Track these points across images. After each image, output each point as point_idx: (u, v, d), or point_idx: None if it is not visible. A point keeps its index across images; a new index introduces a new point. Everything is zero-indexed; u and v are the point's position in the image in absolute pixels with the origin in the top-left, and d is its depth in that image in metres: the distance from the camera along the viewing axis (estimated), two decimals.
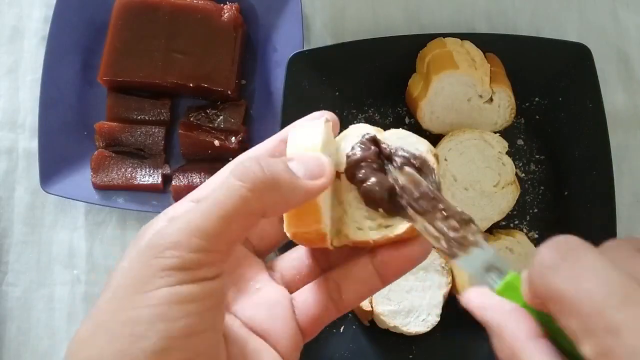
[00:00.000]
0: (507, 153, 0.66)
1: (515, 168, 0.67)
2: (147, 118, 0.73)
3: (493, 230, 0.68)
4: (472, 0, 0.75)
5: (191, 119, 0.72)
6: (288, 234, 0.34)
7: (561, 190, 0.70)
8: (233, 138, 0.70)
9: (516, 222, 0.70)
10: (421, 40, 0.67)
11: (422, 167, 0.35)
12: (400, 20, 0.75)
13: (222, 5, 0.71)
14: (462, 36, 0.67)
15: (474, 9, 0.75)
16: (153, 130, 0.72)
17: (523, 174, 0.71)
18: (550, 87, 0.69)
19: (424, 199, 0.34)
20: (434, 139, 0.68)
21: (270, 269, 0.37)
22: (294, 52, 0.66)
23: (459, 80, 0.65)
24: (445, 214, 0.34)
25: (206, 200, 0.30)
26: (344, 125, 0.38)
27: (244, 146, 0.72)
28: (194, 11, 0.71)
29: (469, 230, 0.34)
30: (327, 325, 0.71)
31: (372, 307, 0.64)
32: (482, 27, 0.75)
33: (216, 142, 0.70)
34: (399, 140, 0.37)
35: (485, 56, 0.67)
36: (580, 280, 0.26)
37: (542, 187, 0.71)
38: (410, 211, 0.34)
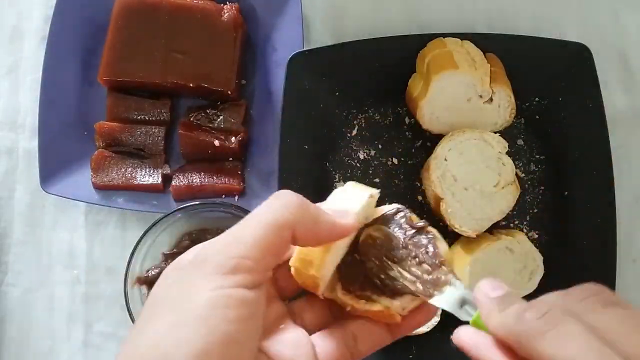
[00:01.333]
0: (507, 153, 0.66)
1: (515, 168, 0.67)
2: (147, 118, 0.73)
3: (493, 230, 0.68)
4: (472, 0, 0.75)
5: (191, 119, 0.72)
6: (292, 268, 0.37)
7: (561, 190, 0.70)
8: (233, 138, 0.70)
9: (516, 222, 0.70)
10: (421, 40, 0.67)
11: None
12: (400, 20, 0.75)
13: (222, 5, 0.71)
14: (462, 36, 0.67)
15: (474, 9, 0.75)
16: (153, 130, 0.72)
17: (523, 174, 0.71)
18: (550, 87, 0.69)
19: (397, 249, 0.38)
20: (434, 139, 0.69)
21: (292, 311, 0.39)
22: (294, 52, 0.66)
23: (459, 80, 0.65)
24: (418, 259, 0.38)
25: (246, 217, 0.35)
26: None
27: (243, 146, 0.72)
28: (194, 11, 0.71)
29: (441, 272, 0.37)
30: None
31: None
32: (482, 27, 0.75)
33: (216, 142, 0.70)
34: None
35: (485, 56, 0.67)
36: (565, 347, 0.28)
37: (542, 187, 0.71)
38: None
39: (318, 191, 0.67)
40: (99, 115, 0.74)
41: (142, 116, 0.73)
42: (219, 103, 0.73)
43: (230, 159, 0.71)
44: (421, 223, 0.40)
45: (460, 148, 0.65)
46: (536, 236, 0.70)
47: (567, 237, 0.69)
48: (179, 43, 0.71)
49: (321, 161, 0.70)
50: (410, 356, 0.66)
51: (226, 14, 0.71)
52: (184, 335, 0.29)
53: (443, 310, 0.66)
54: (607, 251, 0.65)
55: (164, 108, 0.73)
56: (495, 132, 0.67)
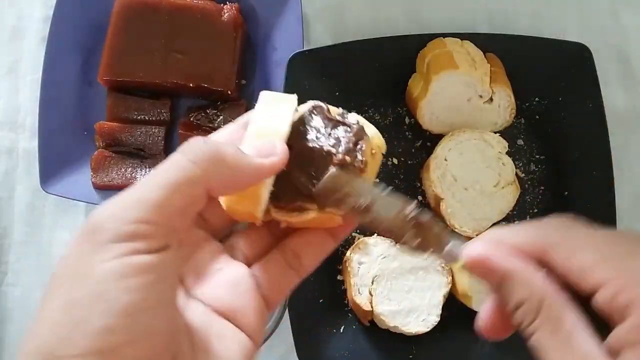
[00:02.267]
0: (507, 153, 0.66)
1: (515, 168, 0.67)
2: (147, 118, 0.73)
3: None
4: (472, 0, 0.75)
5: (191, 119, 0.72)
6: (223, 205, 0.34)
7: (561, 190, 0.70)
8: None
9: (516, 222, 0.70)
10: (421, 40, 0.67)
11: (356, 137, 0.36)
12: (400, 20, 0.75)
13: (222, 5, 0.71)
14: (462, 36, 0.67)
15: (474, 9, 0.75)
16: (153, 130, 0.72)
17: (523, 174, 0.71)
18: (550, 87, 0.69)
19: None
20: (434, 139, 0.69)
21: (230, 247, 0.36)
22: (294, 52, 0.66)
23: (459, 80, 0.65)
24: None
25: (147, 176, 0.30)
26: None
27: None
28: (194, 11, 0.71)
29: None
30: (327, 325, 0.70)
31: (372, 307, 0.64)
32: (482, 27, 0.75)
33: None
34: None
35: (485, 56, 0.67)
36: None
37: (542, 187, 0.71)
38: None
39: None
40: (99, 115, 0.74)
41: (142, 116, 0.73)
42: (219, 103, 0.73)
43: None
44: (338, 117, 0.37)
45: (460, 148, 0.65)
46: None
47: None
48: (179, 43, 0.71)
49: None
50: (410, 356, 0.66)
51: (226, 14, 0.71)
52: (80, 315, 0.26)
53: (442, 311, 0.66)
54: None
55: (164, 108, 0.73)
56: (495, 132, 0.67)
